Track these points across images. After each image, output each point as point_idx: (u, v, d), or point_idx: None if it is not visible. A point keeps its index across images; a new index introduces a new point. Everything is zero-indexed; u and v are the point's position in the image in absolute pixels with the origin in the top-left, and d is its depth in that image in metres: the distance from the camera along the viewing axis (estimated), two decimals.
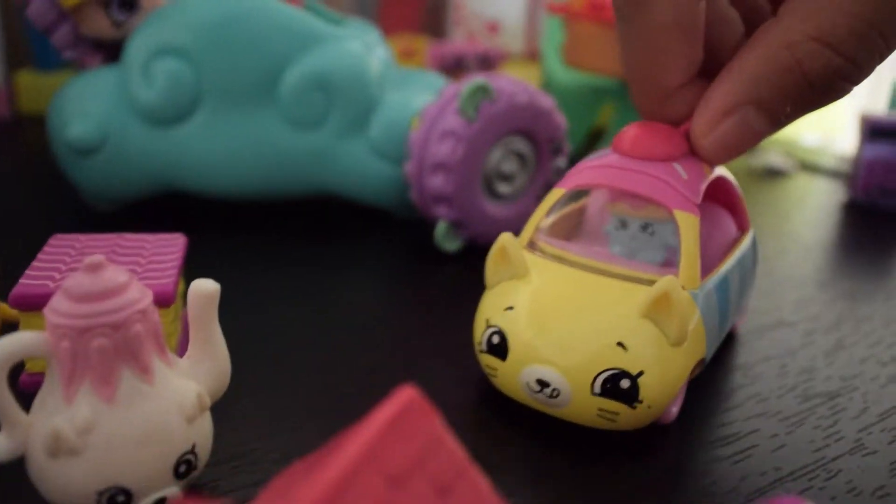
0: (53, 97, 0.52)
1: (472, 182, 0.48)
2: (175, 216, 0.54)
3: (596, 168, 0.34)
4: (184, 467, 0.25)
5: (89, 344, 0.23)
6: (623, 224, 0.35)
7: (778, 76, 0.29)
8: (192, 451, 0.25)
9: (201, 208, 0.56)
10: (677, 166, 0.33)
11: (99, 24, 0.51)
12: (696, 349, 0.31)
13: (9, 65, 0.81)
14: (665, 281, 0.29)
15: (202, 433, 0.26)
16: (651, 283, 0.31)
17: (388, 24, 1.04)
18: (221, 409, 0.30)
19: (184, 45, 0.49)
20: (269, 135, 0.51)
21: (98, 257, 0.24)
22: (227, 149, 0.51)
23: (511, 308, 0.32)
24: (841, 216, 0.63)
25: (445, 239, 0.49)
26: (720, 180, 0.37)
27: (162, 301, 0.32)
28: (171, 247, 0.36)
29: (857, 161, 0.65)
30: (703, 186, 0.33)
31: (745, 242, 0.38)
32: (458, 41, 0.97)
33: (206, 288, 0.26)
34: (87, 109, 0.50)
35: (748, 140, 0.31)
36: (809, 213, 0.63)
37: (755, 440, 0.32)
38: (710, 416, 0.34)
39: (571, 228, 0.38)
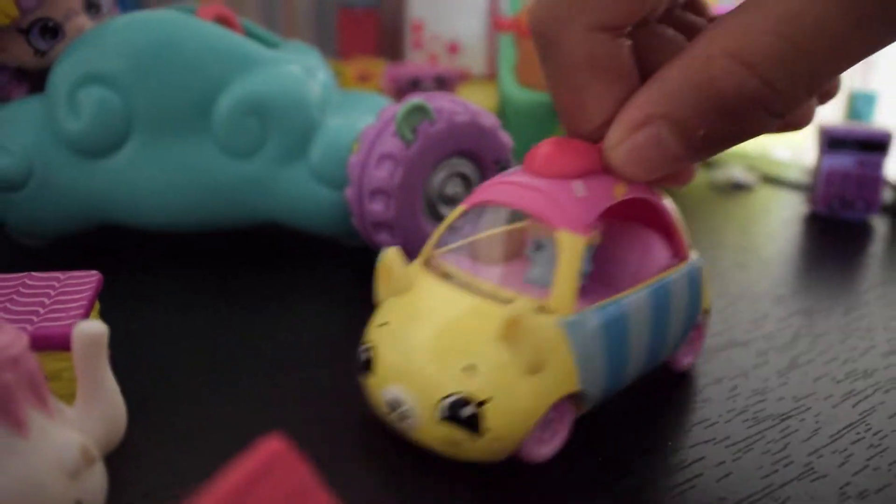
0: None
1: (413, 206, 0.47)
2: (108, 250, 0.52)
3: (495, 185, 0.33)
4: None
5: None
6: (539, 246, 0.34)
7: (691, 91, 0.27)
8: None
9: (138, 242, 0.53)
10: (577, 184, 0.31)
11: (20, 52, 0.49)
12: (561, 381, 0.29)
13: None
14: (518, 304, 0.28)
15: (90, 488, 0.24)
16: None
17: (346, 47, 1.02)
18: (129, 454, 0.28)
19: (111, 72, 0.47)
20: (204, 163, 0.49)
21: None
22: (160, 179, 0.49)
23: (385, 324, 0.31)
24: (801, 228, 0.61)
25: None
26: (651, 204, 0.35)
27: (64, 343, 0.30)
28: (82, 285, 0.34)
29: (816, 173, 0.64)
30: (604, 207, 0.31)
31: (677, 271, 0.35)
32: (415, 63, 0.95)
33: (90, 330, 0.24)
34: (9, 142, 0.48)
35: (661, 158, 0.29)
36: (770, 226, 0.62)
37: (699, 469, 0.30)
38: (654, 446, 0.32)
39: (515, 246, 0.37)
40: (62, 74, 0.48)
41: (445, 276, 0.32)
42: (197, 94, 0.48)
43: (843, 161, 0.62)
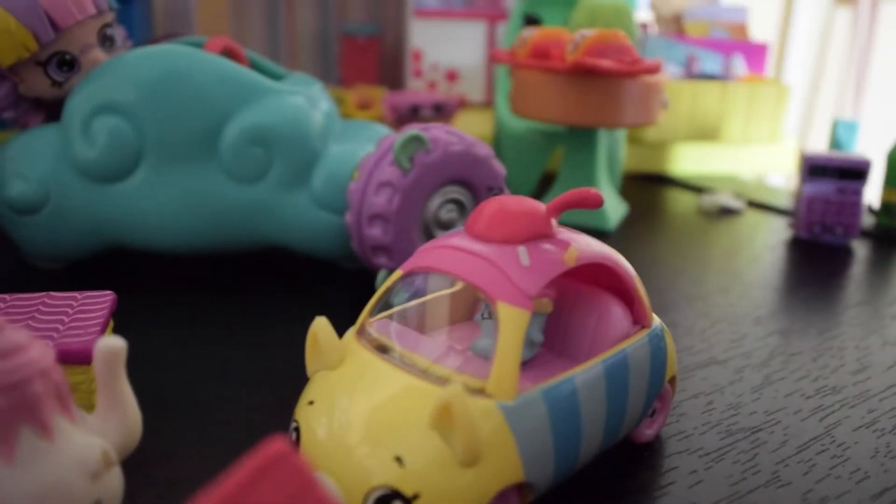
0: None
1: (410, 231, 0.49)
2: (118, 273, 0.55)
3: (435, 249, 0.31)
4: None
5: None
6: (489, 314, 0.32)
7: None
8: None
9: (147, 264, 0.56)
10: (522, 251, 0.29)
11: (38, 83, 0.51)
12: (502, 473, 0.26)
13: None
14: (449, 389, 0.25)
15: (109, 488, 0.26)
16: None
17: (348, 74, 1.05)
18: (143, 459, 0.30)
19: (123, 102, 0.50)
20: (211, 189, 0.52)
21: None
22: (169, 204, 0.51)
23: (311, 403, 0.29)
24: (784, 253, 0.64)
25: None
26: (608, 268, 0.33)
27: (82, 358, 0.32)
28: (98, 304, 0.36)
29: (799, 198, 0.67)
30: (553, 276, 0.29)
31: (636, 341, 0.32)
32: (414, 91, 0.98)
33: (111, 346, 0.26)
34: (27, 169, 0.50)
35: None
36: (754, 250, 0.64)
37: (673, 477, 0.33)
38: (629, 458, 0.34)
39: (465, 309, 0.36)
40: (77, 105, 0.50)
41: (380, 349, 0.30)
42: (205, 123, 0.51)
43: (824, 188, 0.65)
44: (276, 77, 0.58)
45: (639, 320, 0.33)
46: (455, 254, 0.30)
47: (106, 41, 0.53)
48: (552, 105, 0.66)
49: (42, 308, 0.35)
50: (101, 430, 0.26)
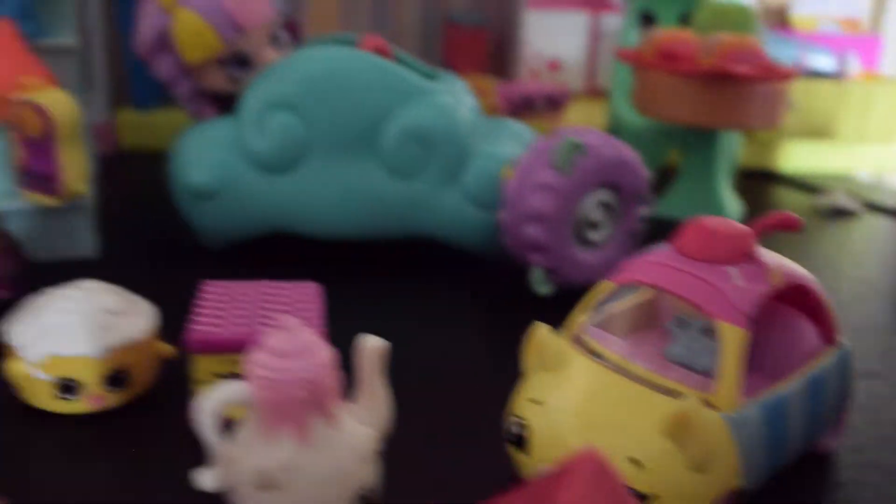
0: (175, 145, 0.56)
1: (564, 231, 0.52)
2: (264, 256, 0.58)
3: (648, 265, 0.33)
4: (361, 503, 0.28)
5: (288, 394, 0.27)
6: (683, 323, 0.35)
7: None
8: (368, 487, 0.29)
9: (283, 248, 0.59)
10: (733, 271, 0.31)
11: (217, 79, 0.55)
12: (725, 478, 0.29)
13: (112, 103, 0.87)
14: (685, 401, 0.28)
15: (373, 472, 0.29)
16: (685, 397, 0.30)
17: (455, 64, 1.08)
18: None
19: (294, 100, 0.53)
20: (371, 182, 0.55)
21: (294, 321, 0.27)
22: (332, 195, 0.55)
23: (537, 402, 0.31)
24: None
25: (540, 283, 0.53)
26: (801, 287, 0.34)
27: None
28: (309, 295, 0.40)
29: None
30: (762, 296, 0.31)
31: (827, 358, 0.34)
32: (524, 81, 1.00)
33: (375, 345, 0.30)
34: (205, 158, 0.54)
35: None
36: (881, 256, 0.65)
37: (856, 492, 0.35)
38: (802, 470, 0.36)
39: (645, 317, 0.38)
40: (253, 101, 0.54)
41: (593, 354, 0.33)
42: (366, 120, 0.54)
43: None
44: (422, 73, 0.61)
45: (827, 338, 0.36)
46: (669, 271, 0.32)
47: (275, 40, 0.56)
48: (681, 107, 0.68)
49: (267, 298, 0.39)
50: (363, 420, 0.30)
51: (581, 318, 0.34)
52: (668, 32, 0.69)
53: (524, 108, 0.90)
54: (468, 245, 0.57)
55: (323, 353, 0.28)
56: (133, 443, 0.36)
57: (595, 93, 1.10)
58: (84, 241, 0.57)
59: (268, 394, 0.27)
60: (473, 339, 0.48)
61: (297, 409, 0.27)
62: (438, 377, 0.43)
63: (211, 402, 0.27)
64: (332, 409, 0.28)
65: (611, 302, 0.36)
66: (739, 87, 0.65)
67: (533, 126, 0.87)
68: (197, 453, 0.32)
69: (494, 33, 1.10)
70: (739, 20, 0.75)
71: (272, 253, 0.59)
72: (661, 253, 0.34)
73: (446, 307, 0.52)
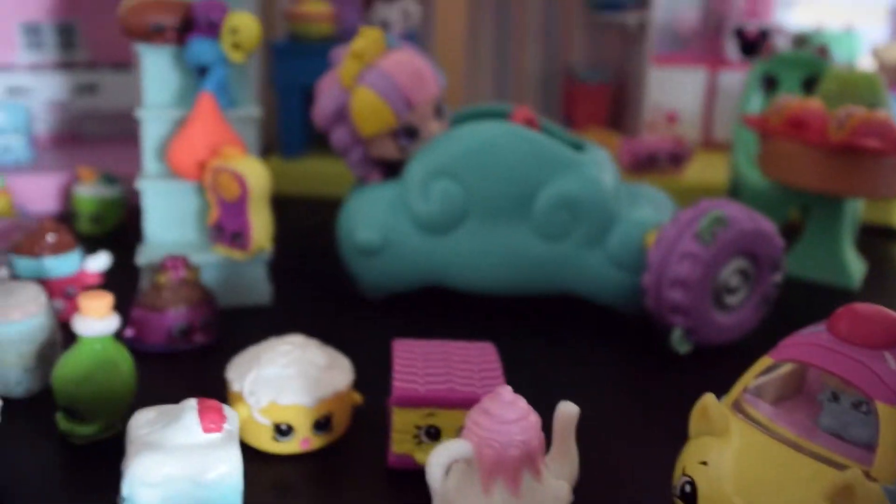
0: (344, 205, 0.63)
1: (704, 296, 0.56)
2: (419, 307, 0.64)
3: (806, 345, 0.37)
4: None
5: (507, 453, 0.32)
6: (835, 397, 0.38)
7: None
8: None
9: (434, 301, 0.65)
10: (888, 356, 0.34)
11: (386, 149, 0.61)
12: None
13: (263, 152, 0.95)
14: (851, 472, 0.31)
15: None
16: (845, 467, 0.33)
17: (576, 117, 1.13)
18: None
19: (455, 170, 0.59)
20: (522, 244, 0.60)
21: (510, 393, 0.33)
22: (487, 254, 0.60)
23: (705, 463, 0.35)
24: None
25: (680, 343, 0.57)
26: None
27: None
28: (488, 355, 0.45)
29: None
30: None
31: None
32: (647, 137, 1.04)
33: (569, 410, 0.35)
34: (372, 218, 0.61)
35: None
36: None
37: None
38: None
39: (791, 386, 0.42)
40: (418, 168, 0.60)
41: (752, 420, 0.36)
42: (519, 189, 0.60)
43: None
44: (567, 142, 0.66)
45: None
46: (827, 352, 0.36)
47: (439, 113, 0.62)
48: (809, 174, 0.71)
49: (452, 357, 0.44)
50: (559, 473, 0.35)
51: (742, 387, 0.38)
52: (796, 102, 0.73)
53: (648, 163, 0.95)
54: (607, 302, 0.62)
55: (533, 419, 0.33)
56: (335, 480, 0.42)
57: (712, 145, 1.14)
58: (261, 290, 0.63)
59: (489, 453, 0.32)
60: (621, 393, 0.53)
61: (512, 466, 0.32)
62: (594, 430, 0.47)
63: (441, 456, 0.32)
64: (539, 466, 0.33)
65: (766, 374, 0.40)
66: (869, 159, 0.68)
67: (656, 180, 0.92)
68: (390, 490, 0.38)
69: (614, 87, 1.15)
70: (867, 89, 0.78)
71: (425, 305, 0.64)
72: (816, 334, 0.37)
73: (592, 361, 0.57)
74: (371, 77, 0.58)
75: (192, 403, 0.36)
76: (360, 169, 0.63)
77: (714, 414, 0.36)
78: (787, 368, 0.42)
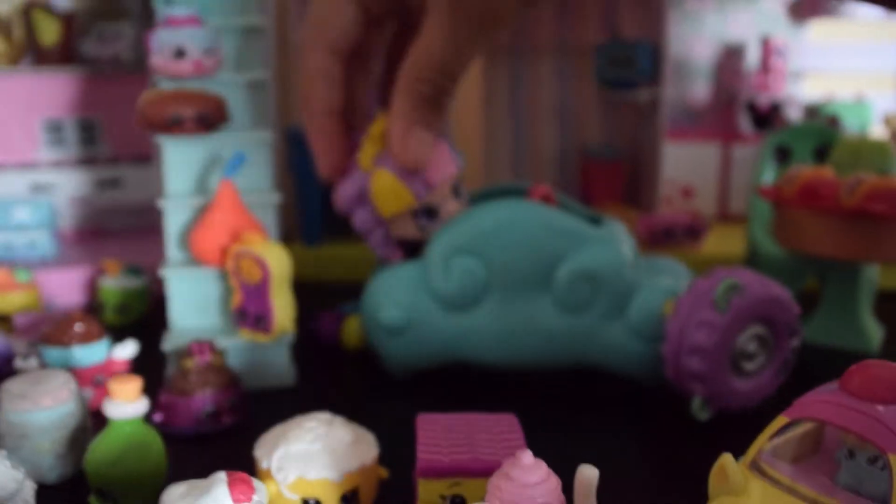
0: (368, 285, 0.64)
1: (722, 363, 0.57)
2: (443, 384, 0.65)
3: (820, 403, 0.38)
4: None
5: None
6: (851, 454, 0.38)
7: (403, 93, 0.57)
8: None
9: (457, 378, 0.66)
10: None
11: (406, 229, 0.63)
12: None
13: (283, 238, 0.97)
14: None
15: None
16: None
17: (593, 195, 1.14)
18: None
19: (475, 248, 0.61)
20: (542, 318, 0.62)
21: (531, 457, 0.33)
22: (507, 329, 0.62)
23: None
24: None
25: (700, 410, 0.58)
26: None
27: None
28: (510, 425, 0.46)
29: None
30: None
31: None
32: (664, 212, 1.06)
33: (589, 473, 0.35)
34: (396, 297, 0.62)
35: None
36: None
37: None
38: None
39: (809, 445, 0.42)
40: (439, 247, 0.61)
41: (770, 479, 0.38)
42: (539, 264, 0.61)
43: None
44: (585, 217, 0.67)
45: None
46: (841, 409, 0.37)
47: (457, 192, 0.64)
48: (824, 242, 0.72)
49: (475, 429, 0.45)
50: None
51: (758, 447, 0.39)
52: (808, 171, 0.74)
53: (665, 237, 0.96)
54: (628, 372, 0.62)
55: (554, 482, 0.34)
56: None
57: (728, 218, 1.15)
58: (286, 371, 0.65)
59: None
60: (641, 457, 0.53)
61: None
62: (615, 493, 0.47)
63: None
64: None
65: (783, 434, 0.40)
66: (881, 224, 0.69)
67: (674, 253, 0.93)
68: None
69: (629, 163, 1.17)
70: (878, 156, 0.79)
71: (448, 379, 0.65)
72: (830, 392, 0.38)
73: (612, 427, 0.57)
74: (389, 159, 0.60)
75: (221, 476, 0.37)
76: (383, 250, 0.64)
77: (732, 473, 0.37)
78: (804, 428, 0.42)
